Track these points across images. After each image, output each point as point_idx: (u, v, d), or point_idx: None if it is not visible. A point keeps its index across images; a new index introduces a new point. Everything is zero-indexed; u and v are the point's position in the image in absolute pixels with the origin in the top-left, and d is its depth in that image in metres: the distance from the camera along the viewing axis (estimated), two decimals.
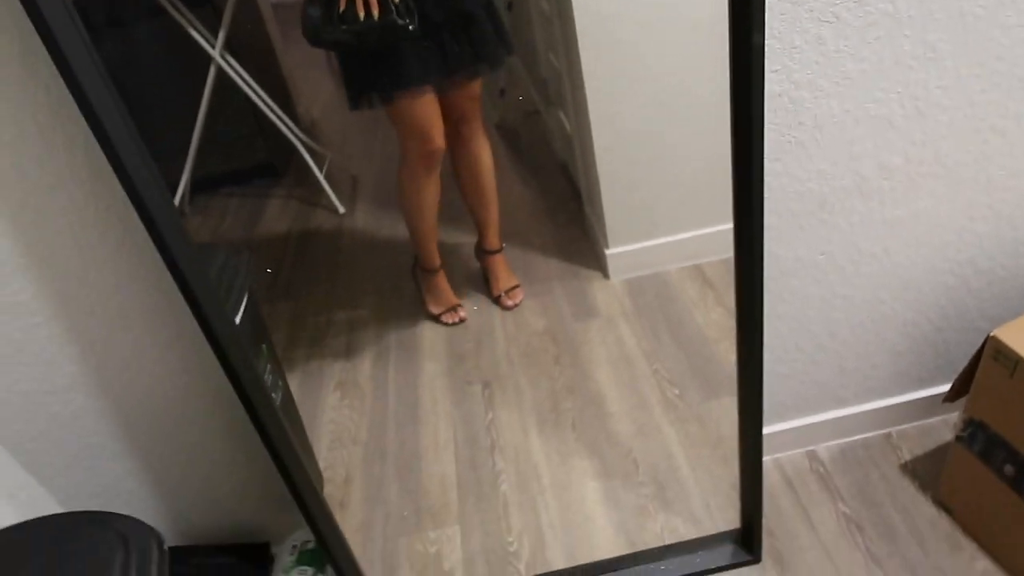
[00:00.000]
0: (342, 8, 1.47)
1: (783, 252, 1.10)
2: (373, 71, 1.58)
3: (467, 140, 1.77)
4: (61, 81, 0.70)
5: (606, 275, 1.90)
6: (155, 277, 0.97)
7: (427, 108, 1.62)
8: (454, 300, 1.87)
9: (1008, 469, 1.10)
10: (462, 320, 1.86)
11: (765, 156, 0.98)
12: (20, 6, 0.67)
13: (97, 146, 0.73)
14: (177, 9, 2.35)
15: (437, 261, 1.87)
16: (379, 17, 1.46)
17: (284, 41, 3.31)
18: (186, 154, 2.44)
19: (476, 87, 1.72)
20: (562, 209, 2.18)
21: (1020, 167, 1.07)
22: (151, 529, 0.86)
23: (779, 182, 1.02)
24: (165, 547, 0.86)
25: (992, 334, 1.03)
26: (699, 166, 1.73)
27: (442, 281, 1.88)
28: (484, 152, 1.81)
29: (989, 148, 1.04)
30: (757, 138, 0.85)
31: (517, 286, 1.92)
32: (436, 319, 1.86)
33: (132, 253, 0.95)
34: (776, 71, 0.94)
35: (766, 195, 1.02)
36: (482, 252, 1.93)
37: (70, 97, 0.71)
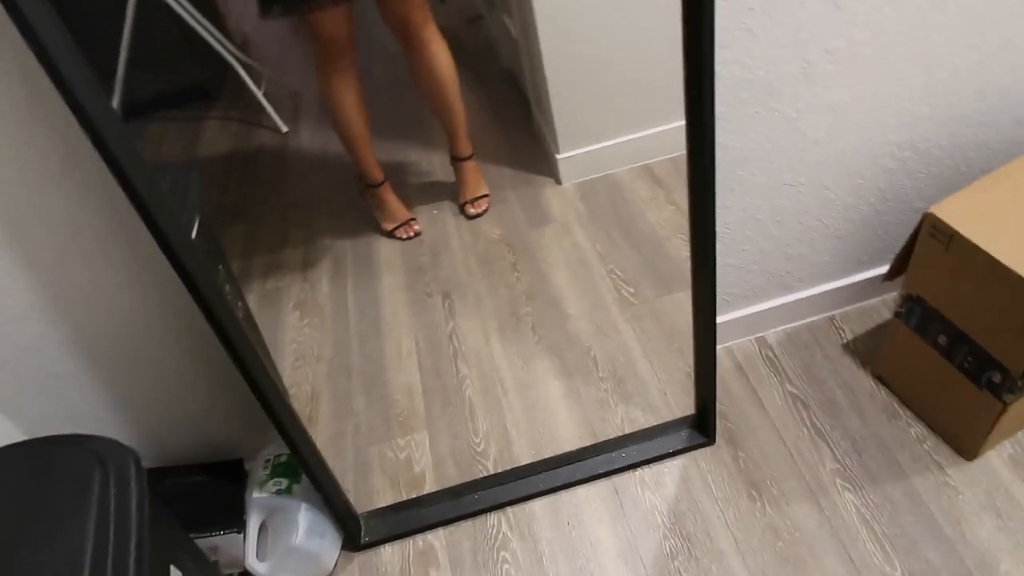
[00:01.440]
0: None
1: (732, 142, 1.12)
2: None
3: (421, 47, 1.70)
4: None
5: (558, 180, 1.90)
6: (105, 197, 0.94)
7: (336, 16, 1.56)
8: (406, 214, 1.85)
9: (942, 339, 1.17)
10: (417, 234, 1.84)
11: (719, 44, 0.99)
12: None
13: (33, 61, 0.70)
14: None
15: (379, 174, 1.83)
16: None
17: None
18: (114, 77, 2.33)
19: None
20: (510, 116, 2.15)
21: (957, 44, 1.10)
22: (126, 447, 0.87)
23: (729, 70, 1.03)
24: (142, 464, 0.87)
25: (928, 211, 1.08)
26: (648, 64, 1.73)
27: (388, 195, 1.85)
28: (441, 58, 1.73)
29: (928, 25, 1.06)
30: (707, 23, 0.85)
31: (485, 195, 1.91)
32: (390, 235, 1.85)
33: (78, 173, 0.92)
34: None
35: (718, 84, 1.04)
36: (452, 159, 1.91)
37: None
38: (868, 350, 1.43)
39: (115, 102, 2.43)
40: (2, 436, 1.11)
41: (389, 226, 1.85)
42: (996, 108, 1.19)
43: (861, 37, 1.04)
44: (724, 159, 1.13)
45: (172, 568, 0.89)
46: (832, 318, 1.49)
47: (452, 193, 1.94)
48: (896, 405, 1.34)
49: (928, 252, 1.12)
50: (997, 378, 1.10)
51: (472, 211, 1.89)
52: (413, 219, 1.85)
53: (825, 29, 1.02)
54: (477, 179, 1.92)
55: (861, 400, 1.36)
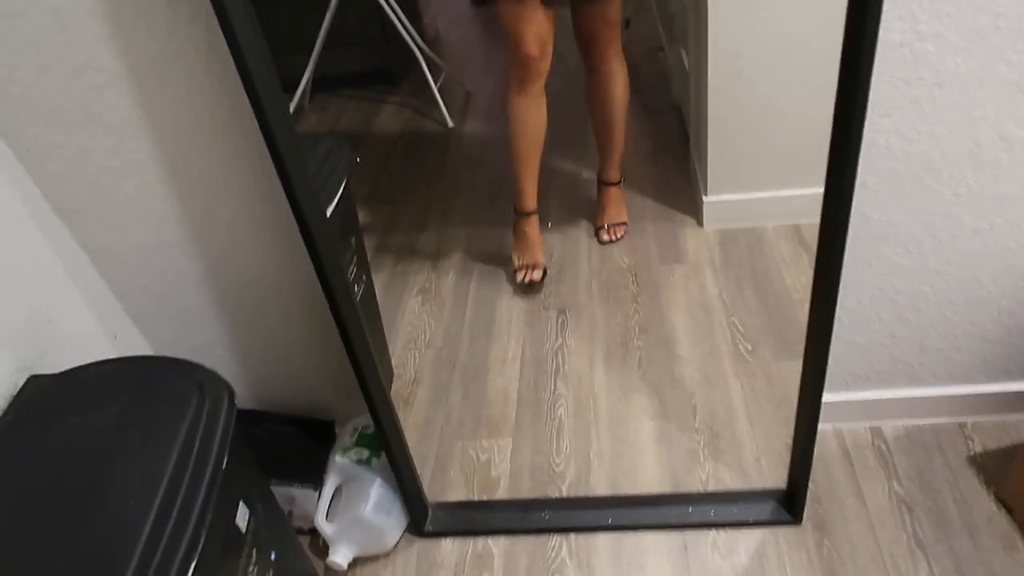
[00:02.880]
0: None
1: (877, 215, 1.05)
2: None
3: (600, 65, 1.72)
4: None
5: (700, 222, 1.87)
6: (259, 156, 1.03)
7: (533, 14, 1.54)
8: (536, 257, 1.80)
9: None
10: (531, 282, 1.77)
11: (875, 110, 0.94)
12: None
13: (216, 22, 0.78)
14: None
15: (531, 203, 1.80)
16: None
17: None
18: (311, 52, 2.53)
19: (612, 11, 1.65)
20: (668, 151, 2.14)
21: None
22: (226, 383, 0.94)
23: (886, 139, 0.98)
24: (235, 400, 0.94)
25: None
26: (811, 121, 1.65)
27: (531, 229, 1.81)
28: (617, 82, 1.75)
29: None
30: (862, 86, 0.81)
31: (623, 223, 1.90)
32: (514, 270, 1.80)
33: (239, 132, 1.01)
34: (901, 18, 0.89)
35: (869, 152, 0.98)
36: (599, 181, 1.91)
37: None
38: (997, 469, 1.29)
39: (307, 74, 2.63)
40: (134, 348, 1.24)
41: (516, 259, 1.82)
42: None
43: None
44: (864, 231, 1.06)
45: (241, 504, 0.95)
46: (962, 424, 1.36)
47: (592, 213, 1.95)
48: (1017, 536, 1.20)
49: None
50: None
51: (606, 237, 1.88)
52: (539, 266, 1.80)
53: (1003, 113, 0.94)
54: (619, 206, 1.91)
55: (977, 520, 1.23)
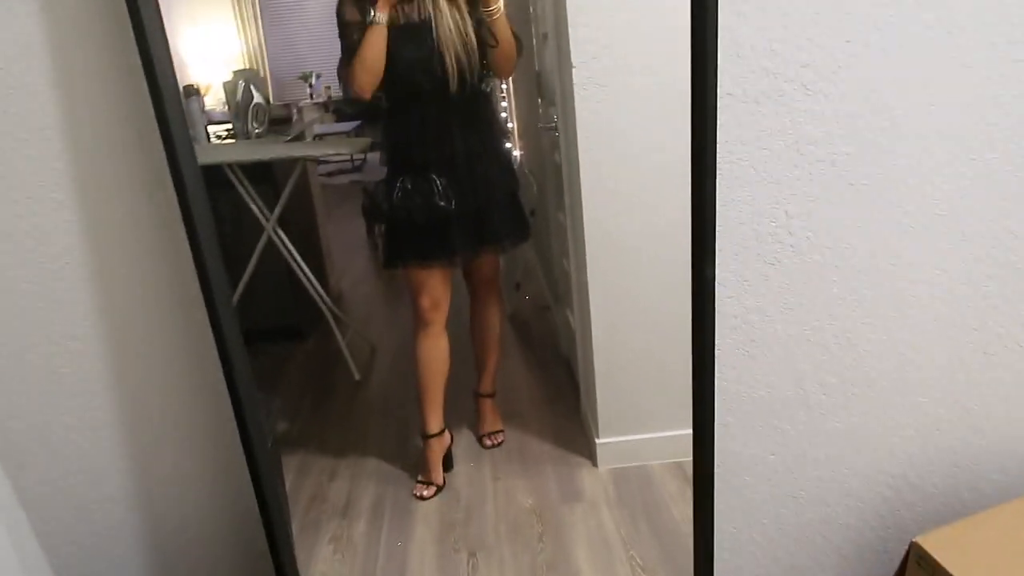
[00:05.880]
0: (398, 192, 1.84)
1: (739, 449, 1.27)
2: (409, 241, 1.92)
3: (483, 300, 2.13)
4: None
5: (595, 463, 2.05)
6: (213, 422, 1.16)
7: (431, 280, 1.93)
8: (436, 478, 2.02)
9: None
10: (424, 498, 1.98)
11: (722, 365, 1.19)
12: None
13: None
14: (242, 184, 2.72)
15: (434, 427, 2.05)
16: (424, 199, 1.83)
17: (327, 217, 3.69)
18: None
19: (496, 261, 2.10)
20: (561, 400, 2.37)
21: (940, 397, 1.26)
22: None
23: (735, 388, 1.22)
24: None
25: (915, 540, 1.17)
26: (685, 370, 1.93)
27: (432, 452, 2.04)
28: (495, 313, 2.16)
29: (910, 378, 1.24)
30: (709, 350, 1.06)
31: (500, 431, 2.20)
32: (416, 484, 2.02)
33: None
34: (731, 297, 1.17)
35: (724, 397, 1.22)
36: (476, 394, 2.22)
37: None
38: None
39: None
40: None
41: (419, 476, 2.03)
42: (987, 451, 1.32)
43: (852, 378, 1.23)
44: (732, 463, 1.27)
45: None
46: None
47: (496, 455, 2.11)
48: None
49: None
50: None
51: (489, 443, 2.16)
52: (436, 485, 2.01)
53: (818, 366, 1.21)
54: (495, 416, 2.21)
55: None
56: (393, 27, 1.74)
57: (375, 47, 1.73)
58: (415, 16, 1.75)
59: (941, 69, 1.06)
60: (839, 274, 1.17)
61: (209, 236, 0.98)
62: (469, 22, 1.75)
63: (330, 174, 2.84)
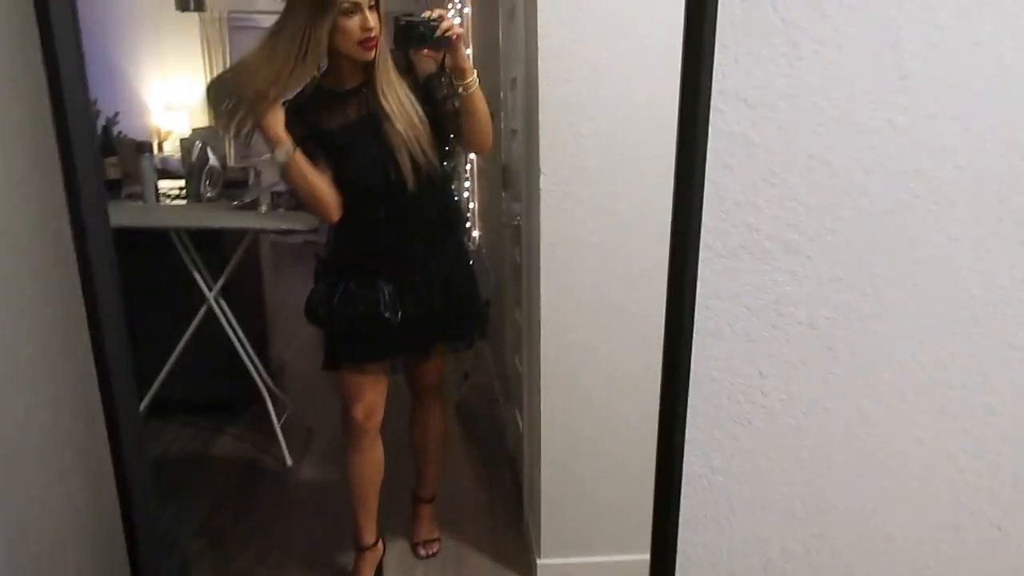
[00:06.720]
0: (338, 296, 1.67)
1: None
2: (346, 345, 1.74)
3: (427, 405, 1.95)
4: None
5: None
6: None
7: (377, 386, 1.76)
8: None
9: None
10: None
11: (687, 525, 1.10)
12: None
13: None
14: (187, 250, 2.58)
15: (368, 539, 1.89)
16: (368, 308, 1.66)
17: (277, 277, 3.54)
18: (156, 375, 2.52)
19: (443, 364, 1.92)
20: (503, 507, 2.23)
21: (907, 573, 1.19)
22: None
23: (696, 552, 1.13)
24: None
25: None
26: (639, 491, 1.83)
27: (365, 563, 1.89)
28: (438, 420, 1.98)
29: (878, 549, 1.17)
30: (673, 513, 0.97)
31: (436, 539, 2.05)
32: None
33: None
34: (697, 456, 1.09)
35: (684, 561, 1.12)
36: (415, 498, 2.06)
37: None
38: None
39: (147, 398, 2.57)
40: None
41: None
42: None
43: (817, 547, 1.15)
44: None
45: None
46: None
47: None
48: None
49: None
50: None
51: (423, 552, 2.02)
52: None
53: (784, 532, 1.13)
54: (432, 523, 2.06)
55: None
56: (338, 130, 1.59)
57: (305, 181, 1.55)
58: (356, 113, 1.59)
59: (927, 240, 1.02)
60: (812, 439, 1.10)
61: (113, 313, 0.85)
62: (416, 106, 1.58)
63: (283, 232, 2.70)
